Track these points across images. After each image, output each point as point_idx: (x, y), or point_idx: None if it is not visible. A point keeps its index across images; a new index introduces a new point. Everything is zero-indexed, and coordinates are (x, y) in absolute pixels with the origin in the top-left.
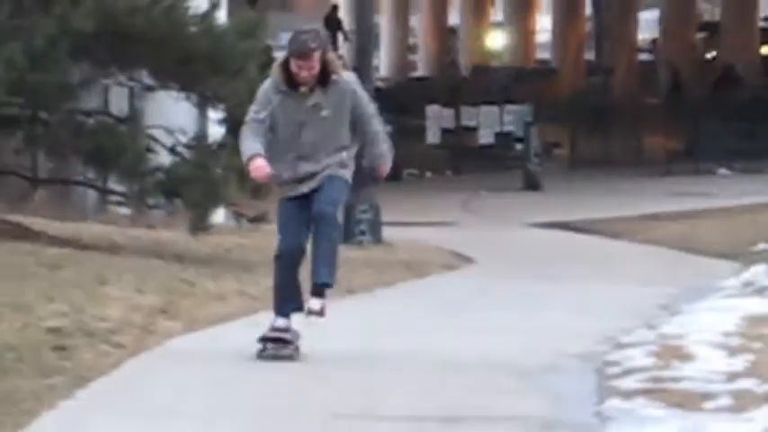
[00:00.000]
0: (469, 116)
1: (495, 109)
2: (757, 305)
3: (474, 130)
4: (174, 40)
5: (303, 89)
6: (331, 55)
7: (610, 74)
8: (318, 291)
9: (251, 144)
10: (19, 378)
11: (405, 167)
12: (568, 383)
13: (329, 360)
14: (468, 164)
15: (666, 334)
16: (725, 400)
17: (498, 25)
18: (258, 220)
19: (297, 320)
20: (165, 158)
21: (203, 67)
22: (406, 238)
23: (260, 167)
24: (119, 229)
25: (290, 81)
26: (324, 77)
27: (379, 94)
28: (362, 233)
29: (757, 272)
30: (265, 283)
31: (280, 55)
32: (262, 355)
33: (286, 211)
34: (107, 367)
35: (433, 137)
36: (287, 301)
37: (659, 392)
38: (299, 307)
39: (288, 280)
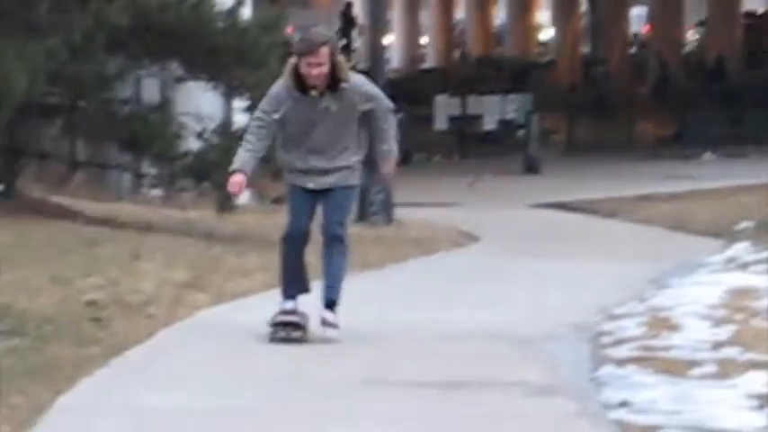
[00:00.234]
0: (474, 105)
1: (497, 98)
2: (740, 279)
3: (479, 117)
4: (201, 35)
5: (314, 93)
6: (340, 58)
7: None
8: (330, 305)
9: (242, 155)
10: (59, 347)
11: (414, 152)
12: (565, 352)
13: (344, 331)
14: (473, 149)
15: (656, 306)
16: (710, 368)
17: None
18: (279, 200)
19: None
20: (193, 144)
21: (229, 59)
22: (416, 217)
23: (234, 184)
24: (151, 210)
25: (301, 85)
26: (333, 83)
27: (391, 85)
28: (375, 213)
29: (740, 249)
30: None
31: None
32: (273, 338)
33: (295, 195)
34: (140, 337)
35: (440, 124)
36: (294, 283)
37: (649, 360)
38: (305, 289)
39: (294, 261)
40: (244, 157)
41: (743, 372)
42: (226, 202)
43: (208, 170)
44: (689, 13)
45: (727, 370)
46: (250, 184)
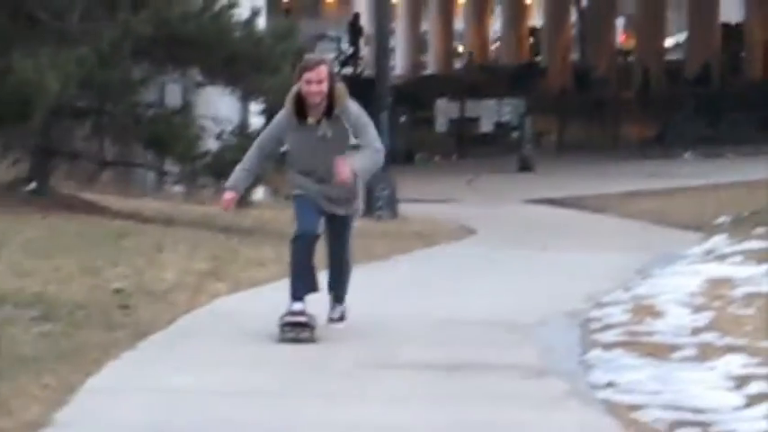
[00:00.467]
0: (472, 108)
1: (493, 102)
2: (717, 270)
3: (476, 120)
4: (220, 43)
5: (311, 120)
6: (339, 85)
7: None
8: (338, 300)
9: (237, 174)
10: (88, 332)
11: (416, 152)
12: (556, 337)
13: (352, 318)
14: (471, 149)
15: (640, 294)
16: (690, 351)
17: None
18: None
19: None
20: (212, 144)
21: (245, 66)
22: (419, 212)
23: (225, 201)
24: (173, 205)
25: (301, 111)
26: (329, 109)
27: (395, 90)
28: (381, 208)
29: (717, 241)
30: None
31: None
32: (283, 339)
33: (302, 202)
34: (164, 323)
35: (441, 126)
36: (302, 284)
37: (634, 344)
38: (314, 289)
39: (304, 262)
40: (238, 176)
41: (721, 355)
42: (242, 198)
43: (226, 168)
44: (670, 23)
45: (706, 353)
46: (265, 182)
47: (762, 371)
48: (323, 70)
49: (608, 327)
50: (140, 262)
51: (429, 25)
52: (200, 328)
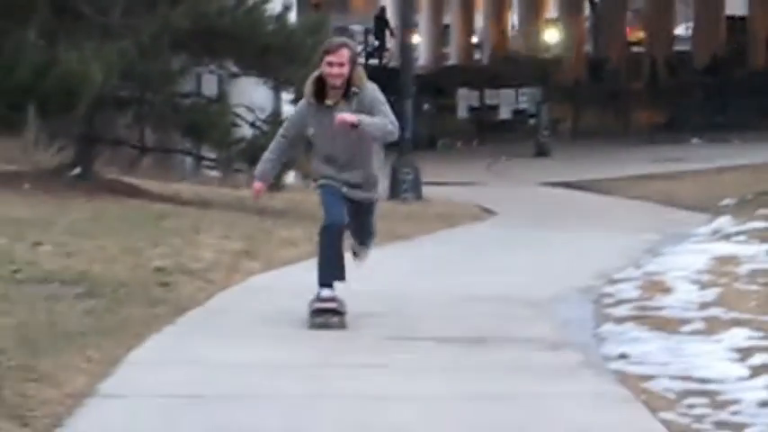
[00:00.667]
0: (491, 96)
1: (511, 90)
2: (723, 248)
3: (495, 107)
4: (254, 36)
5: (329, 102)
6: (359, 68)
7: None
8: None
9: (262, 166)
10: (131, 308)
11: (439, 138)
12: (571, 312)
13: (378, 292)
14: (490, 135)
15: (650, 272)
16: (698, 325)
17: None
18: None
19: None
20: (246, 131)
21: (277, 57)
22: (441, 195)
23: (255, 190)
24: (210, 189)
25: (320, 94)
26: (348, 90)
27: (419, 80)
28: (405, 191)
29: (723, 222)
30: None
31: None
32: (312, 325)
33: (328, 192)
34: (201, 299)
35: (462, 113)
36: (331, 271)
37: (645, 318)
38: (342, 277)
39: (333, 251)
40: (266, 165)
41: (727, 328)
42: (275, 182)
43: (259, 154)
44: (679, 15)
45: (712, 327)
46: (296, 167)
47: (765, 343)
48: (344, 53)
49: (620, 302)
50: (179, 242)
51: (451, 18)
52: (235, 304)
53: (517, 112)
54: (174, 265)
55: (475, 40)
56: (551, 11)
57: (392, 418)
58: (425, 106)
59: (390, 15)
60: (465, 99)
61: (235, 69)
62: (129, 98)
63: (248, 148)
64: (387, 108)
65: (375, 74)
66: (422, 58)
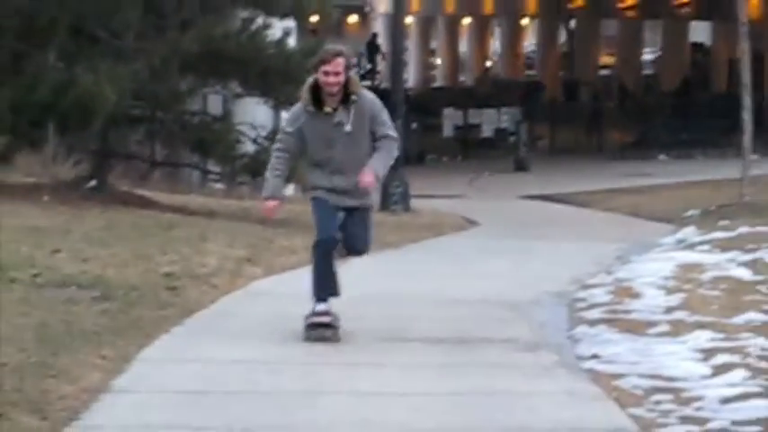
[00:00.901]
0: (475, 116)
1: (493, 110)
2: (688, 257)
3: (478, 126)
4: (256, 60)
5: (327, 109)
6: (353, 75)
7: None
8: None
9: (272, 181)
10: (142, 310)
11: (426, 154)
12: (547, 315)
13: (370, 296)
14: (474, 152)
15: (620, 278)
16: (664, 327)
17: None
18: None
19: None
20: (249, 147)
21: (278, 79)
22: (428, 206)
23: (269, 209)
24: (215, 200)
25: (317, 100)
26: (345, 96)
27: (408, 100)
28: (395, 203)
29: (688, 232)
30: None
31: None
32: (308, 338)
33: (320, 207)
34: (207, 302)
35: (447, 131)
36: (325, 286)
37: (615, 321)
38: (335, 292)
39: (326, 266)
40: (274, 183)
41: (691, 331)
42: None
43: (261, 168)
44: (647, 43)
45: (678, 329)
46: (295, 180)
47: (726, 345)
48: (340, 62)
49: (592, 306)
50: (186, 249)
51: (437, 44)
52: (238, 307)
53: (498, 131)
54: (182, 271)
55: (438, 64)
56: (530, 38)
57: (386, 413)
58: (414, 125)
59: (382, 40)
60: (450, 118)
61: (238, 90)
62: (141, 116)
63: (251, 163)
64: (387, 118)
65: None
66: (410, 80)
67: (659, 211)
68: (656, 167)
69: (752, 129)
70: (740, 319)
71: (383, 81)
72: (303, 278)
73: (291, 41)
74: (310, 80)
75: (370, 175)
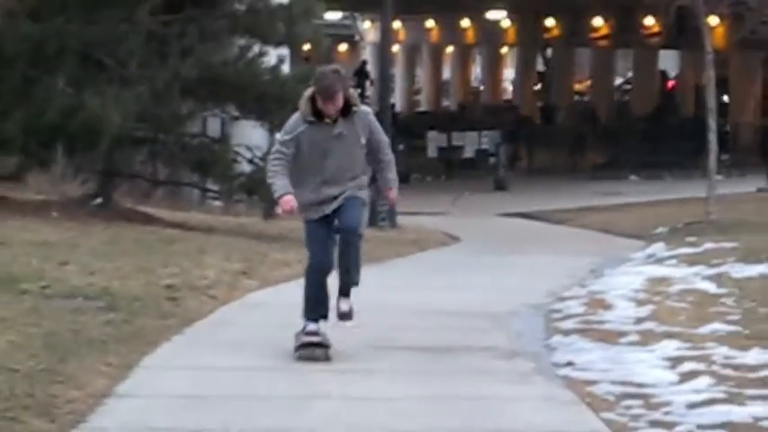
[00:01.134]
0: (457, 138)
1: (475, 133)
2: (657, 271)
3: (461, 147)
4: (252, 85)
5: (328, 120)
6: (350, 90)
7: (558, 111)
8: (347, 292)
9: (281, 182)
10: (144, 320)
11: (412, 173)
12: (524, 325)
13: (360, 307)
14: (456, 172)
15: (593, 290)
16: (634, 337)
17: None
18: None
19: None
20: (246, 167)
21: (273, 103)
22: (413, 223)
23: (287, 203)
24: (214, 217)
25: (317, 113)
26: (346, 109)
27: (394, 123)
28: (383, 219)
29: (657, 247)
30: None
31: None
32: (299, 357)
33: (313, 231)
34: (206, 312)
35: (431, 152)
36: (317, 308)
37: (588, 331)
38: (326, 314)
39: (319, 290)
40: (281, 182)
41: (659, 340)
42: (269, 211)
43: (256, 187)
44: (619, 71)
45: (647, 339)
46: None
47: (693, 353)
48: (339, 98)
49: (567, 317)
50: (186, 263)
51: (422, 71)
52: (235, 317)
53: (479, 152)
54: (182, 283)
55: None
56: (509, 64)
57: (373, 417)
58: (400, 146)
59: (370, 67)
60: (434, 140)
61: (236, 113)
62: (144, 138)
63: (247, 182)
64: (380, 128)
65: None
66: (397, 104)
67: (630, 228)
68: (627, 187)
69: (717, 151)
70: (706, 329)
71: (371, 105)
72: (296, 290)
73: (285, 68)
74: (308, 92)
75: (394, 192)
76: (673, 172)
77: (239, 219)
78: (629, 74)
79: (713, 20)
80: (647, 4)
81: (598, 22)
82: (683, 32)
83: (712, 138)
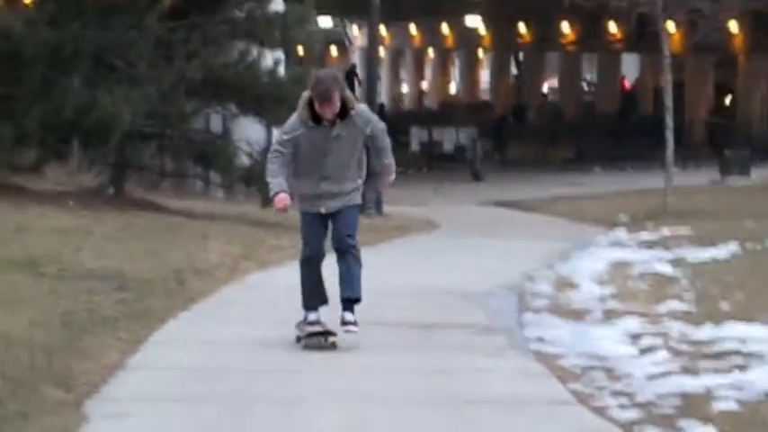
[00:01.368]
0: (437, 134)
1: (453, 129)
2: (619, 254)
3: (440, 142)
4: (251, 85)
5: (326, 123)
6: (347, 93)
7: (528, 109)
8: (351, 306)
9: (277, 181)
10: (152, 299)
11: (396, 166)
12: (499, 303)
13: None
14: (436, 164)
15: (561, 272)
16: (599, 315)
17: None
18: None
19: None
20: (245, 160)
21: (270, 102)
22: (398, 211)
23: (280, 201)
24: (216, 205)
25: (315, 117)
26: (343, 112)
27: (385, 117)
28: (369, 208)
29: (619, 233)
30: None
31: None
32: (306, 346)
33: (307, 223)
34: (209, 292)
35: (414, 146)
36: (315, 296)
37: (557, 309)
38: (325, 301)
39: (315, 279)
40: (278, 180)
41: (621, 317)
42: (267, 200)
43: (255, 178)
44: (583, 73)
45: (610, 316)
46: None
47: (651, 330)
48: (336, 99)
49: (538, 296)
50: (191, 247)
51: (405, 73)
52: (235, 296)
53: (458, 147)
54: (188, 265)
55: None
56: (485, 66)
57: (362, 387)
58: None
59: (359, 69)
60: (416, 136)
61: (236, 111)
62: (153, 133)
63: (246, 174)
64: (376, 117)
65: None
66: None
67: (595, 216)
68: (592, 178)
69: (673, 145)
70: (663, 307)
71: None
72: (290, 272)
73: (281, 70)
74: (306, 96)
75: (390, 174)
76: (634, 165)
77: (239, 207)
78: (588, 76)
79: (671, 26)
80: (611, 12)
81: (566, 28)
82: (644, 38)
83: (669, 134)
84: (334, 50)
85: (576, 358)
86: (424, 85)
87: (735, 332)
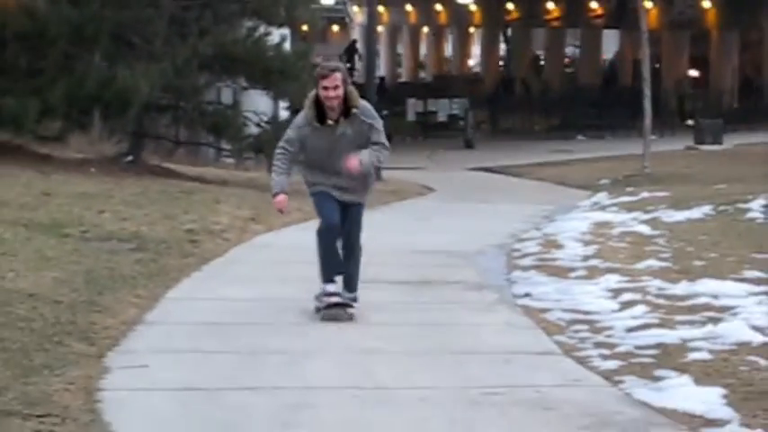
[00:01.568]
0: (432, 104)
1: (447, 100)
2: (601, 216)
3: (435, 112)
4: (259, 60)
5: (330, 122)
6: (351, 87)
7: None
8: (350, 289)
9: (278, 179)
10: (168, 259)
11: (393, 135)
12: (489, 262)
13: None
14: (431, 133)
15: (547, 233)
16: (582, 272)
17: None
18: None
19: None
20: (253, 130)
21: (276, 75)
22: (394, 176)
23: (279, 203)
24: (227, 172)
25: (320, 114)
26: (346, 110)
27: (379, 92)
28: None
29: (601, 197)
30: None
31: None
32: (324, 317)
33: (321, 198)
34: (220, 252)
35: (410, 116)
36: (332, 267)
37: (543, 267)
38: (342, 269)
39: (331, 250)
40: (280, 180)
41: (603, 275)
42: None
43: (263, 146)
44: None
45: (592, 273)
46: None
47: (631, 285)
48: (337, 77)
49: (525, 255)
50: (204, 210)
51: (402, 48)
52: (245, 256)
53: (451, 116)
54: (200, 228)
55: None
56: (476, 41)
57: (363, 340)
58: (384, 111)
59: (359, 45)
60: (413, 106)
61: (245, 84)
62: (168, 105)
63: (254, 143)
64: (381, 126)
65: None
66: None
67: (578, 180)
68: (575, 146)
69: (651, 115)
70: (642, 265)
71: (359, 77)
72: (295, 233)
73: (287, 45)
74: (312, 95)
75: (356, 160)
76: (614, 132)
77: (248, 173)
78: (567, 49)
79: (648, 3)
80: None
81: (551, 5)
82: (623, 14)
83: (647, 104)
84: (335, 28)
85: (561, 312)
86: (421, 58)
87: (708, 288)
